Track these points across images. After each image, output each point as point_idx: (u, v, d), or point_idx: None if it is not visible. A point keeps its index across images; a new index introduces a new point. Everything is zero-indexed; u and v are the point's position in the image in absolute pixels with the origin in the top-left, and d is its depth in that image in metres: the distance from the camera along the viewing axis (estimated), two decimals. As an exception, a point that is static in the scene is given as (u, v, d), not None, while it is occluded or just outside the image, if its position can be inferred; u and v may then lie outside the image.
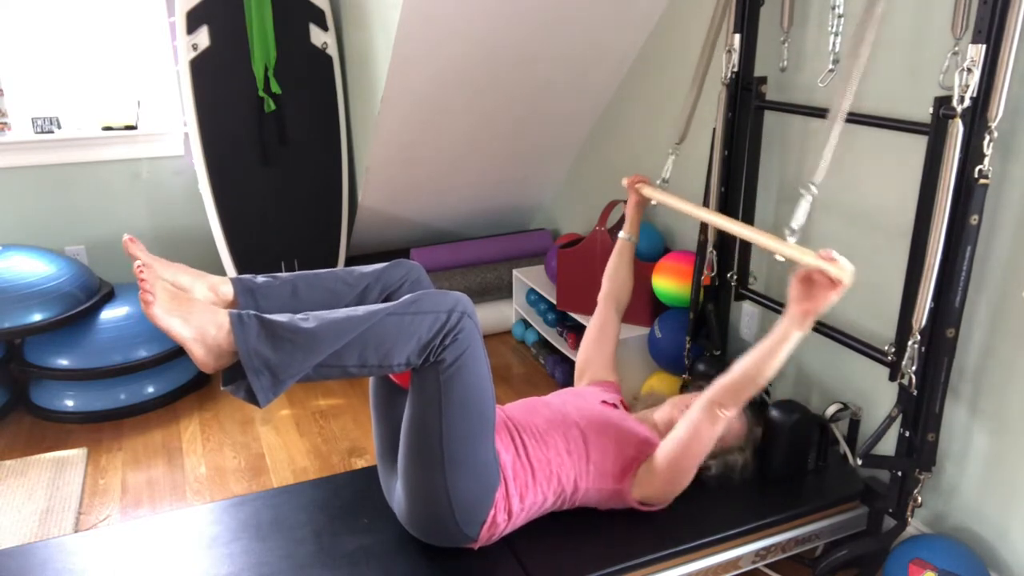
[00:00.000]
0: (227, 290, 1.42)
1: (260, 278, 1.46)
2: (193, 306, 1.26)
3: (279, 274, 1.50)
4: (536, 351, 3.05)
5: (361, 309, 1.35)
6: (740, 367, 1.46)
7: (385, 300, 1.53)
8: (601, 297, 2.00)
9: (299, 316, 1.31)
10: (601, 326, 1.96)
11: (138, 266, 1.24)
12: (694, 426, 1.51)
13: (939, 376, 1.56)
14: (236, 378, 1.27)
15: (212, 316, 1.25)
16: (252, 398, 1.26)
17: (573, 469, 1.57)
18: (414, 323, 1.34)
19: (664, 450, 1.56)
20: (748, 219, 2.10)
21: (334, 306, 1.45)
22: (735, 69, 1.98)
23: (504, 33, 2.41)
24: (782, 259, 1.43)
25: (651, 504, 1.62)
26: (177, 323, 1.23)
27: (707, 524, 1.64)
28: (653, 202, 1.92)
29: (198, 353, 1.24)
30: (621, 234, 2.01)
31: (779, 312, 2.03)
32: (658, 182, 2.01)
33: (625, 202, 2.74)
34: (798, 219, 1.50)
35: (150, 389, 2.63)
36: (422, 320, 1.34)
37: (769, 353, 1.42)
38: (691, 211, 1.76)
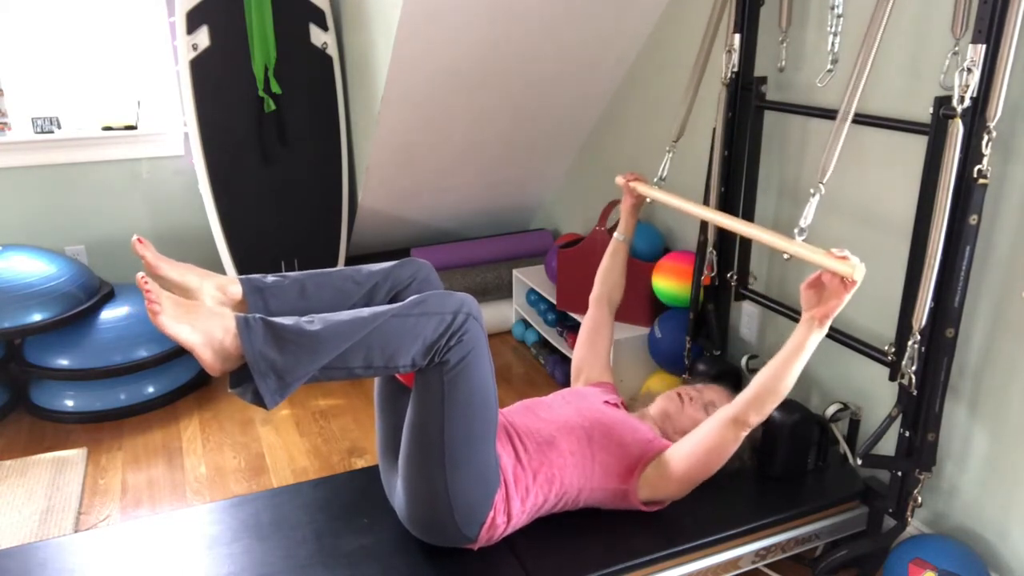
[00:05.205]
0: (236, 290, 1.41)
1: (269, 277, 1.46)
2: (200, 312, 1.26)
3: (288, 273, 1.49)
4: (536, 351, 3.05)
5: (366, 311, 1.35)
6: (759, 379, 1.46)
7: (393, 299, 1.54)
8: (593, 299, 1.98)
9: (305, 319, 1.31)
10: (595, 328, 1.95)
11: (142, 277, 1.24)
12: (716, 440, 1.51)
13: (939, 376, 1.56)
14: (243, 381, 1.27)
15: (219, 321, 1.26)
16: (259, 401, 1.26)
17: (576, 470, 1.57)
18: (419, 324, 1.34)
19: (681, 457, 1.55)
20: (748, 219, 2.09)
21: (343, 305, 1.45)
22: (735, 69, 1.98)
23: (504, 33, 2.41)
24: (788, 257, 1.43)
25: (656, 504, 1.62)
26: (186, 330, 1.24)
27: (707, 524, 1.64)
28: (648, 200, 1.90)
29: (206, 358, 1.25)
30: (616, 234, 1.98)
31: (779, 312, 2.05)
32: (655, 180, 1.99)
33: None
34: (807, 218, 1.51)
35: (150, 389, 2.63)
36: (427, 321, 1.34)
37: (786, 363, 1.42)
38: (691, 209, 1.75)
